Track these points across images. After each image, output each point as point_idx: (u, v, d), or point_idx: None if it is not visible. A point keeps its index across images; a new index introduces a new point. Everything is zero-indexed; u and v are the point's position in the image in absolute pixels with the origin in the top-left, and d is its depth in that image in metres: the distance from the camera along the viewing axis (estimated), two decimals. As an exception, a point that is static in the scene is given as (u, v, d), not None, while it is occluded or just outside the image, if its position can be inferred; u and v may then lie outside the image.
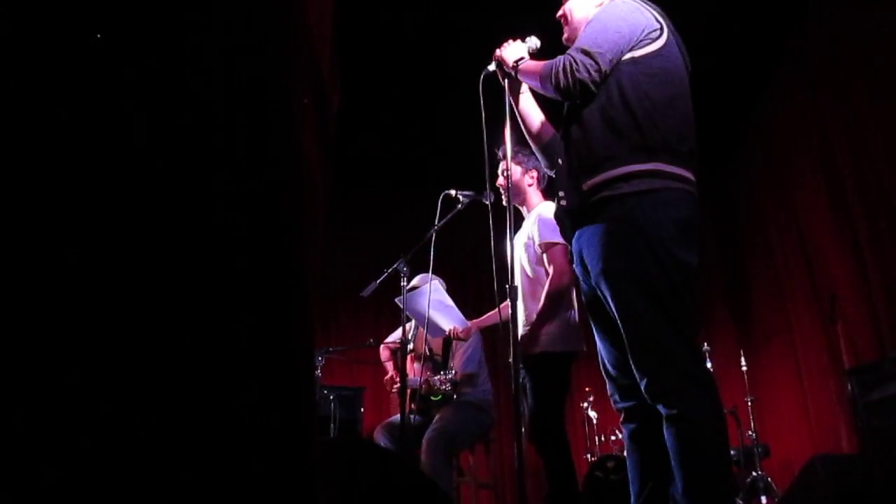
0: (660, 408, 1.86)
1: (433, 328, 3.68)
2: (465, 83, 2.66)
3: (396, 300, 3.55)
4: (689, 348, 1.89)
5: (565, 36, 2.31)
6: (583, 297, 2.22)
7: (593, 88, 2.01)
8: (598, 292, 2.02)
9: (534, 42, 2.33)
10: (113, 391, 0.63)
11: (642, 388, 1.88)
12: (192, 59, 0.75)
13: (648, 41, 2.04)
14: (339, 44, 1.12)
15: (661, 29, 2.07)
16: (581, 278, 2.16)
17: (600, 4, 2.22)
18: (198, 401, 0.67)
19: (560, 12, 2.32)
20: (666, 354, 1.85)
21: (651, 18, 2.08)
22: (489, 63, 2.35)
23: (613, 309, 1.95)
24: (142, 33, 0.71)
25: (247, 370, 0.72)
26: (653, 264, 1.88)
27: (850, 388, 3.75)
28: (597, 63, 1.98)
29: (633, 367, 1.91)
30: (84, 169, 0.66)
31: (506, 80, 2.33)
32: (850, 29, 4.42)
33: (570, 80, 2.00)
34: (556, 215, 2.21)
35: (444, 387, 3.75)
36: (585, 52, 2.00)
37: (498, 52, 2.33)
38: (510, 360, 2.06)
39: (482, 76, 2.37)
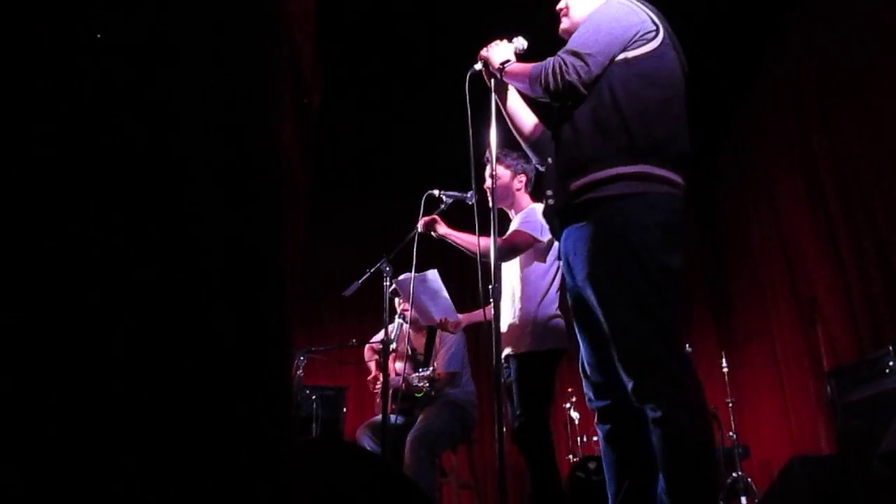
0: (647, 410, 1.86)
1: (424, 314, 3.66)
2: (451, 82, 2.65)
3: (395, 282, 3.53)
4: (675, 351, 1.90)
5: (563, 27, 2.26)
6: (567, 297, 2.22)
7: (582, 90, 2.00)
8: (584, 294, 2.02)
9: (520, 43, 2.31)
10: (88, 390, 0.62)
11: (629, 389, 1.88)
12: (168, 56, 0.74)
13: (643, 42, 2.02)
14: (322, 42, 1.11)
15: (657, 30, 2.06)
16: (567, 277, 2.15)
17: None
18: (167, 398, 0.66)
19: (562, 4, 2.28)
20: (651, 358, 1.86)
21: (647, 19, 2.06)
22: (475, 62, 2.34)
23: (598, 312, 1.95)
24: (113, 30, 0.69)
25: (222, 369, 0.71)
26: (636, 268, 1.89)
27: (829, 389, 3.79)
28: (587, 65, 1.98)
29: (619, 370, 1.91)
30: (66, 171, 0.65)
31: (491, 81, 2.32)
32: (830, 31, 4.46)
33: (558, 82, 1.99)
34: (545, 213, 2.20)
35: (420, 384, 3.71)
36: (575, 54, 2.00)
37: (483, 52, 2.31)
38: (494, 361, 2.06)
39: (468, 76, 2.36)
